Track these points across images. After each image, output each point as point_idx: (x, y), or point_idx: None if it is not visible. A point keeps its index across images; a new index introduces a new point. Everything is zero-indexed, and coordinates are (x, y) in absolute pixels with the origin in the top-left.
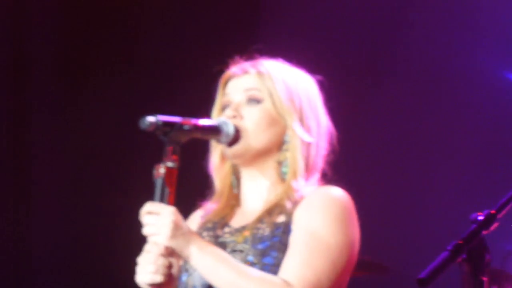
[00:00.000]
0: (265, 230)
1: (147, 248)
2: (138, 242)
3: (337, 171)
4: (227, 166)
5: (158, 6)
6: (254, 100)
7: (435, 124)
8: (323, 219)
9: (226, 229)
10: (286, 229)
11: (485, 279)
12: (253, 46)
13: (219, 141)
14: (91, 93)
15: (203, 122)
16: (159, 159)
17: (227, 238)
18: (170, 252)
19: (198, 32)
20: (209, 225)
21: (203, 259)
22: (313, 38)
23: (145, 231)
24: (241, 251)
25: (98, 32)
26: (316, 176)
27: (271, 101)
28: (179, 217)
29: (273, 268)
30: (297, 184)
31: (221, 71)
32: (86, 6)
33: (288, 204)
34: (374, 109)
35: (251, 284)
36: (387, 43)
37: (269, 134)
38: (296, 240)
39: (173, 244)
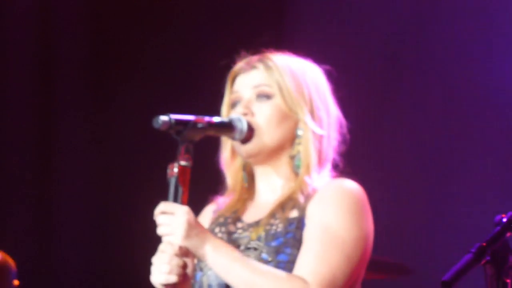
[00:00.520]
0: (278, 226)
1: (161, 248)
2: (153, 241)
3: (362, 174)
4: (238, 162)
5: (184, 5)
6: (264, 96)
7: (461, 123)
8: (336, 213)
9: (239, 225)
10: (299, 224)
11: (508, 281)
12: (260, 39)
13: (233, 138)
14: (118, 92)
15: (216, 119)
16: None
17: (240, 234)
18: (184, 252)
19: (223, 32)
20: (221, 220)
21: (218, 258)
22: (337, 36)
23: (160, 231)
24: (255, 248)
25: (125, 33)
26: (328, 167)
27: (281, 96)
28: (193, 216)
29: (288, 265)
30: (310, 177)
31: (228, 65)
32: (114, 8)
33: (301, 198)
34: (397, 108)
35: (267, 282)
36: (411, 40)
37: (281, 130)
38: (310, 235)
39: (188, 244)
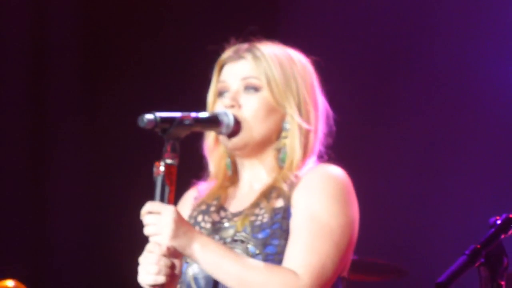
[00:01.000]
0: (264, 216)
1: (148, 248)
2: (141, 241)
3: (356, 176)
4: (221, 148)
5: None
6: (252, 88)
7: (454, 126)
8: (322, 201)
9: (222, 214)
10: (285, 214)
11: (503, 283)
12: (249, 28)
13: (219, 132)
14: (112, 90)
15: (202, 115)
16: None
17: (225, 224)
18: (172, 252)
19: (218, 29)
20: (204, 207)
21: (207, 256)
22: (331, 34)
23: (147, 231)
24: (242, 241)
25: (119, 30)
26: (314, 158)
27: (269, 89)
28: (180, 215)
29: (277, 256)
30: (294, 171)
31: (216, 51)
32: (107, 4)
33: (285, 187)
34: (391, 110)
35: (257, 276)
36: (407, 41)
37: (268, 123)
38: (297, 225)
39: (175, 243)
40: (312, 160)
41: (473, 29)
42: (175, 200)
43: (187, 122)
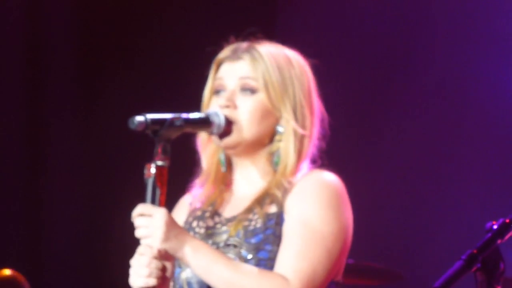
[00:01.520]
0: (257, 221)
1: (140, 250)
2: (132, 243)
3: (352, 180)
4: (214, 145)
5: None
6: (248, 90)
7: (451, 131)
8: (315, 207)
9: (217, 219)
10: (278, 220)
11: None
12: (248, 30)
13: (211, 133)
14: (106, 91)
15: (193, 115)
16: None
17: (218, 229)
18: (163, 255)
19: (215, 29)
20: (199, 213)
21: (198, 259)
22: (330, 35)
23: (138, 233)
24: (235, 245)
25: (116, 28)
26: (307, 162)
27: (265, 92)
28: (171, 218)
29: (269, 262)
30: (287, 176)
31: (215, 51)
32: (104, 3)
33: (278, 193)
34: (389, 113)
35: (247, 281)
36: (405, 43)
37: (262, 125)
38: (289, 231)
39: (167, 246)
40: (305, 164)
41: (472, 32)
42: (166, 201)
43: (177, 123)
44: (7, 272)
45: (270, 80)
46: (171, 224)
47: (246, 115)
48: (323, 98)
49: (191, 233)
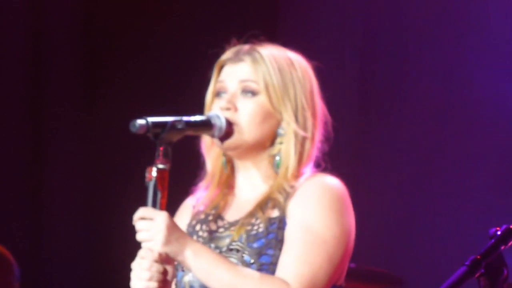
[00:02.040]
0: (260, 226)
1: (141, 254)
2: (133, 246)
3: (354, 184)
4: (218, 147)
5: (177, 3)
6: (249, 92)
7: (454, 135)
8: (317, 212)
9: (220, 223)
10: (281, 224)
11: None
12: (250, 32)
13: (212, 135)
14: (109, 92)
15: (194, 118)
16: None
17: (221, 233)
18: (164, 258)
19: (218, 32)
20: (202, 216)
21: (199, 263)
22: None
23: (139, 237)
24: (237, 250)
25: (119, 29)
26: (310, 166)
27: (266, 94)
28: (172, 221)
29: (271, 266)
30: (289, 178)
31: (217, 54)
32: (106, 4)
33: (280, 197)
34: (391, 116)
35: (248, 285)
36: (405, 46)
37: (263, 128)
38: (291, 235)
39: (168, 249)
40: (308, 168)
41: (475, 32)
42: (167, 205)
43: (179, 126)
44: None
45: (271, 82)
46: (172, 227)
47: (247, 117)
48: (324, 101)
49: (194, 236)
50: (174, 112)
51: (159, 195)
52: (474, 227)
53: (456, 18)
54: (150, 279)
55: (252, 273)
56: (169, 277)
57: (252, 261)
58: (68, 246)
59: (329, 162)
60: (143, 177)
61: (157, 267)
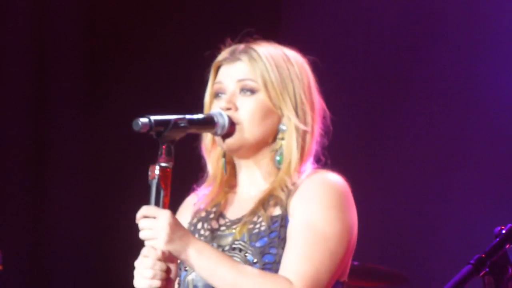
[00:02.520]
0: (262, 224)
1: (144, 252)
2: (136, 245)
3: (357, 182)
4: (219, 149)
5: (181, 4)
6: (248, 91)
7: (458, 133)
8: (319, 209)
9: (222, 221)
10: (283, 222)
11: None
12: (246, 30)
13: (214, 134)
14: (112, 92)
15: (197, 116)
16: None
17: (223, 231)
18: (167, 256)
19: (221, 31)
20: (203, 214)
21: (202, 261)
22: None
23: (142, 235)
24: (240, 249)
25: (122, 29)
26: (310, 160)
27: (265, 91)
28: (175, 220)
29: (274, 265)
30: (291, 174)
31: (213, 55)
32: (110, 4)
33: (282, 194)
34: (395, 113)
35: (251, 283)
36: (408, 44)
37: (264, 125)
38: (293, 233)
39: (171, 248)
40: (309, 164)
41: (477, 32)
42: (170, 203)
43: (181, 124)
44: None
45: (269, 79)
46: (175, 226)
47: (248, 116)
48: (328, 98)
49: (196, 234)
50: (178, 113)
51: (162, 193)
52: (479, 226)
53: (461, 15)
54: (153, 277)
55: (255, 271)
56: (172, 275)
57: (255, 260)
58: (71, 245)
59: (329, 157)
60: (146, 175)
61: (160, 266)
